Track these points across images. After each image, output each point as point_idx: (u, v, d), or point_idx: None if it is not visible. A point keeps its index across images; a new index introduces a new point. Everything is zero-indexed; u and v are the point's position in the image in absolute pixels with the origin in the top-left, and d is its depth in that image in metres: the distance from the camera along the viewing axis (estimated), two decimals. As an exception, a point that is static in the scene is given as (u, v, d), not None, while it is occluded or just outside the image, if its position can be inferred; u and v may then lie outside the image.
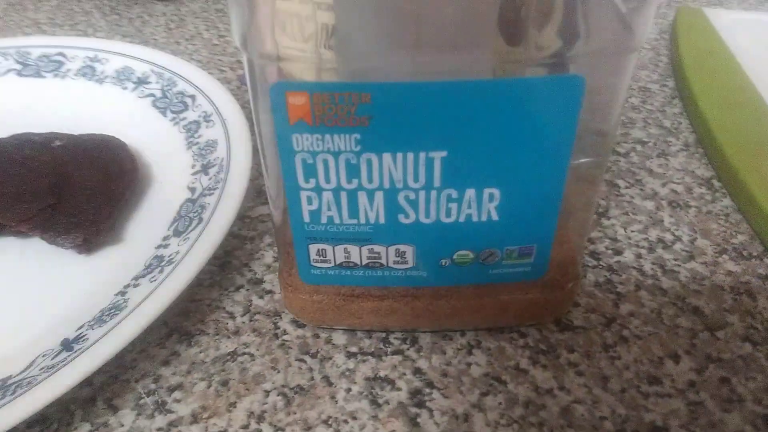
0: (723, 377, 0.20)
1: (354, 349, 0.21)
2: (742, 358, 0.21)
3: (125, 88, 0.33)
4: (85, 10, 0.45)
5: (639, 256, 0.24)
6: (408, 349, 0.21)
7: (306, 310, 0.21)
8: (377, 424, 0.19)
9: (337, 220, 0.18)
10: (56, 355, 0.19)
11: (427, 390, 0.20)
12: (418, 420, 0.19)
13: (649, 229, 0.26)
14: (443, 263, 0.19)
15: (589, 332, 0.22)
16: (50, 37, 0.36)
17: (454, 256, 0.19)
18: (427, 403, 0.19)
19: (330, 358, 0.21)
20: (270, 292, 0.23)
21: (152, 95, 0.32)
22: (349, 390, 0.20)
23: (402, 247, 0.19)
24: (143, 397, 0.20)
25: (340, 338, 0.21)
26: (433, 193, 0.17)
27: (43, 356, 0.19)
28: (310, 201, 0.18)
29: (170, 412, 0.19)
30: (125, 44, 0.35)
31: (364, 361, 0.21)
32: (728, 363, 0.21)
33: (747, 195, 0.26)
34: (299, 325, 0.22)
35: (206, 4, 0.46)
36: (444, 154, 0.16)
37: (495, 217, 0.18)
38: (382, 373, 0.20)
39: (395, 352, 0.21)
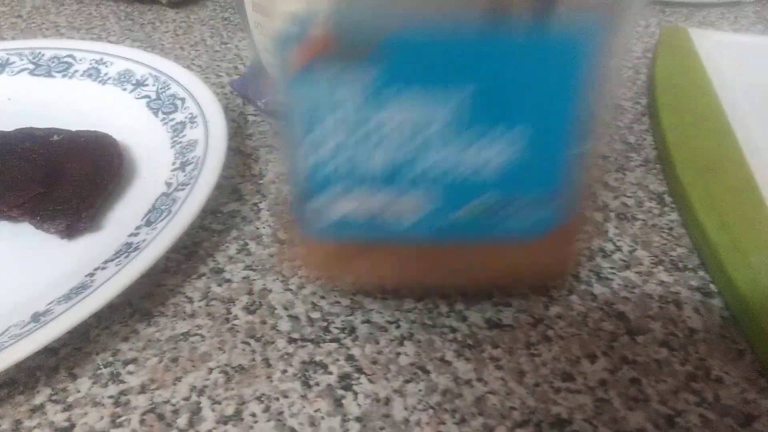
0: (634, 378, 0.21)
1: (296, 336, 0.23)
2: (656, 361, 0.22)
3: (125, 89, 0.36)
4: (103, 14, 0.48)
5: (577, 263, 0.26)
6: (345, 338, 0.23)
7: (316, 261, 0.22)
8: (305, 402, 0.21)
9: (350, 165, 0.18)
10: (25, 326, 0.21)
11: (356, 375, 0.22)
12: (343, 401, 0.21)
13: (593, 238, 0.27)
14: (459, 213, 0.19)
15: (516, 331, 0.23)
16: (63, 40, 0.39)
17: (473, 203, 0.19)
18: (354, 387, 0.21)
19: (272, 343, 0.23)
20: (228, 280, 0.25)
21: (148, 97, 0.35)
22: (285, 371, 0.22)
23: (418, 195, 0.19)
24: (101, 368, 0.22)
25: (284, 325, 0.23)
26: (457, 133, 0.17)
27: (15, 326, 0.22)
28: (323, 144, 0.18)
29: (122, 382, 0.21)
30: (130, 49, 0.38)
31: (303, 346, 0.23)
32: (642, 365, 0.22)
33: (689, 209, 0.27)
34: (249, 312, 0.24)
35: (215, 12, 0.48)
36: (470, 89, 0.16)
37: (517, 160, 0.17)
38: (317, 358, 0.22)
39: (333, 340, 0.23)
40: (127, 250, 0.24)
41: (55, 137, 0.31)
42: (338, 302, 0.24)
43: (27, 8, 0.49)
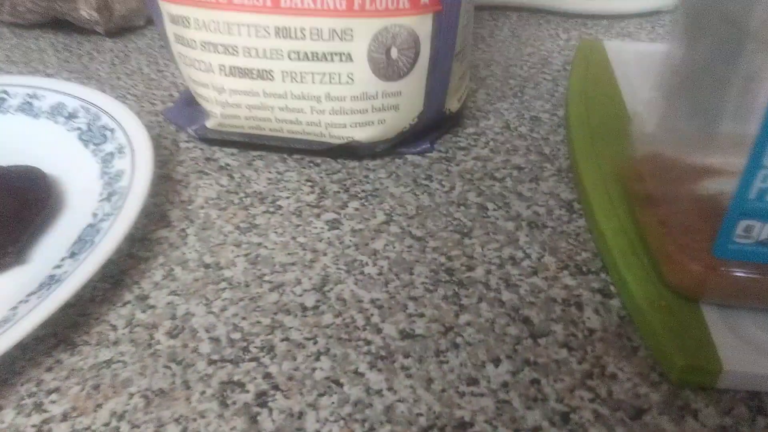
0: (534, 379, 0.23)
1: (216, 357, 0.24)
2: (556, 362, 0.23)
3: (57, 122, 0.36)
4: (41, 47, 0.48)
5: (488, 271, 0.27)
6: (264, 356, 0.24)
7: (707, 283, 0.22)
8: (221, 421, 0.22)
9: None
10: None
11: (272, 392, 0.23)
12: (258, 418, 0.22)
13: (504, 247, 0.29)
14: None
15: (427, 339, 0.24)
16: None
17: None
18: (269, 403, 0.22)
19: (193, 365, 0.24)
20: (153, 306, 0.26)
21: (79, 128, 0.35)
22: (203, 392, 0.23)
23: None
24: (24, 399, 0.22)
25: (205, 347, 0.24)
26: None
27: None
28: (765, 179, 0.19)
29: (45, 411, 0.22)
30: (63, 82, 0.39)
31: (222, 367, 0.24)
32: (542, 366, 0.23)
33: (592, 215, 0.28)
34: (172, 336, 0.25)
35: (152, 40, 0.49)
36: None
37: None
38: (236, 378, 0.23)
39: (252, 359, 0.24)
40: (50, 282, 0.25)
41: None
42: (259, 322, 0.25)
43: (-36, 43, 0.50)
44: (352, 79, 0.30)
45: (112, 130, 0.34)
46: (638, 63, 0.40)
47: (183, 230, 0.30)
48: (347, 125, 0.32)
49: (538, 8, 0.52)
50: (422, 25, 0.30)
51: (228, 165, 0.35)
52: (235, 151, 0.36)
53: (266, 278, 0.27)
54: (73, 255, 0.27)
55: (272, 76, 0.30)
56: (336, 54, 0.29)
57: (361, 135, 0.32)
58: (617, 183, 0.29)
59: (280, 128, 0.32)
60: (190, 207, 0.32)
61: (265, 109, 0.31)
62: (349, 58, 0.29)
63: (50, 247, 0.29)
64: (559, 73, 0.43)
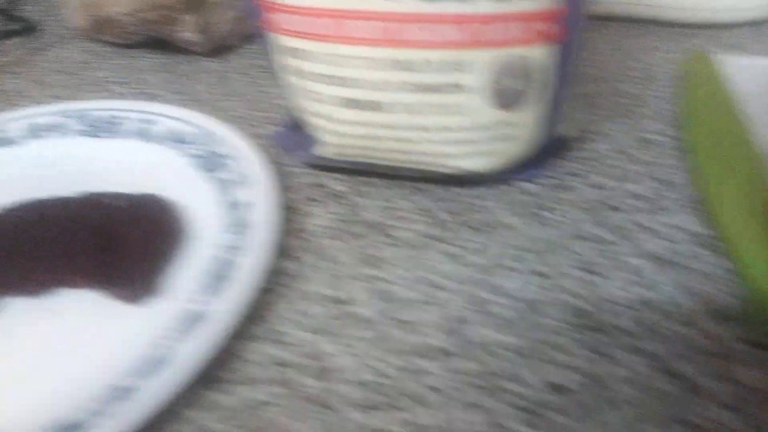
0: (684, 433, 0.22)
1: (366, 404, 0.24)
2: (718, 424, 0.23)
3: (171, 148, 0.38)
4: (142, 68, 0.50)
5: (623, 315, 0.27)
6: (414, 406, 0.24)
7: None
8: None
9: None
10: (107, 403, 0.23)
11: None
12: None
13: (635, 287, 0.28)
14: None
15: (578, 394, 0.24)
16: (108, 101, 0.41)
17: None
18: None
19: (344, 412, 0.24)
20: (289, 343, 0.27)
21: (194, 155, 0.37)
22: (347, 434, 0.23)
23: None
24: (176, 436, 0.23)
25: (354, 393, 0.25)
26: None
27: (92, 401, 0.23)
28: None
29: (197, 449, 0.23)
30: (175, 107, 0.40)
31: (374, 416, 0.24)
32: (706, 430, 0.23)
33: (735, 254, 0.27)
34: (318, 378, 0.25)
35: (247, 60, 0.50)
36: None
37: None
38: (394, 429, 0.23)
39: (402, 408, 0.24)
40: (193, 318, 0.26)
41: (114, 202, 0.33)
42: (400, 366, 0.25)
43: (72, 64, 0.52)
44: (466, 110, 0.30)
45: (228, 158, 0.35)
46: (758, 79, 0.38)
47: (302, 260, 0.31)
48: (458, 155, 0.31)
49: (641, 18, 0.50)
50: (539, 55, 0.29)
51: (338, 192, 0.35)
52: (342, 177, 0.36)
53: (396, 316, 0.27)
54: (210, 290, 0.27)
55: (384, 108, 0.30)
56: (449, 85, 0.29)
57: (472, 165, 0.32)
58: (761, 218, 0.28)
59: (390, 157, 0.32)
60: (305, 236, 0.32)
61: (376, 139, 0.31)
62: (463, 89, 0.29)
63: (181, 279, 0.29)
64: (666, 89, 0.42)
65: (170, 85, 0.47)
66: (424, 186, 0.35)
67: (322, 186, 0.36)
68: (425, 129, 0.30)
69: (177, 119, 0.39)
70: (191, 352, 0.24)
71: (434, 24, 0.28)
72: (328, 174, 0.37)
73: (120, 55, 0.53)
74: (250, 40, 0.53)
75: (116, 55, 0.52)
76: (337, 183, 0.36)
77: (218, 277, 0.28)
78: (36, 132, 0.40)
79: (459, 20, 0.28)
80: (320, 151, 0.34)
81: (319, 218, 0.33)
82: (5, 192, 0.36)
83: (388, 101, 0.30)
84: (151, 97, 0.45)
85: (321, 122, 0.32)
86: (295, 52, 0.31)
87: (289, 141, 0.38)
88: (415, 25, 0.28)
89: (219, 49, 0.51)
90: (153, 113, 0.40)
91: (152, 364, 0.24)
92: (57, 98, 0.47)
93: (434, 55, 0.28)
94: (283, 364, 0.26)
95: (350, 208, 0.34)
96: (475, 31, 0.28)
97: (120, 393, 0.23)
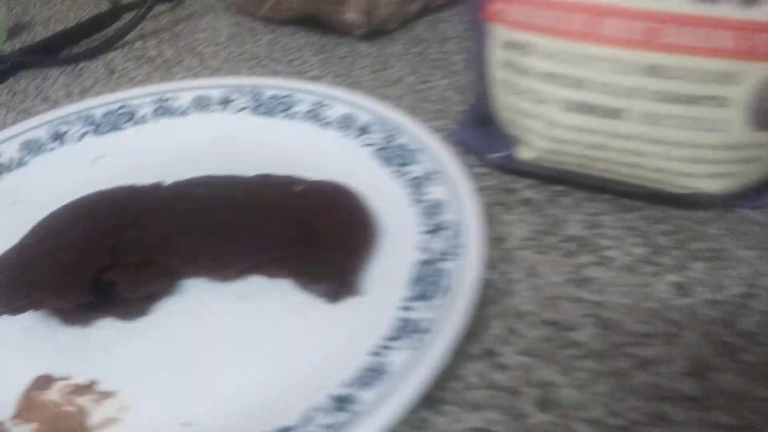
0: None
1: (596, 442, 0.21)
2: None
3: (348, 135, 0.36)
4: (298, 46, 0.48)
5: None
6: (652, 450, 0.21)
7: None
8: None
9: None
10: (330, 413, 0.21)
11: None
12: None
13: None
14: None
15: None
16: (279, 80, 0.40)
17: None
18: None
19: (573, 448, 0.21)
20: (505, 366, 0.24)
21: (374, 145, 0.34)
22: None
23: None
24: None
25: (583, 430, 0.22)
26: None
27: (315, 410, 0.22)
28: None
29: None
30: (349, 92, 0.38)
31: (608, 456, 0.21)
32: None
33: None
34: (541, 409, 0.23)
35: (407, 47, 0.48)
36: None
37: None
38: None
39: (639, 452, 0.21)
40: (411, 329, 0.24)
41: (297, 187, 0.31)
42: (636, 407, 0.22)
43: (223, 36, 0.51)
44: (722, 127, 0.26)
45: (414, 152, 0.33)
46: None
47: (507, 274, 0.28)
48: (696, 174, 0.28)
49: None
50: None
51: (530, 199, 0.32)
52: (533, 182, 0.33)
53: (625, 350, 0.24)
54: (423, 298, 0.25)
55: (622, 116, 0.27)
56: (709, 98, 0.26)
57: (710, 186, 0.28)
58: None
59: (611, 170, 0.29)
60: (505, 246, 0.29)
61: (599, 148, 0.28)
62: (725, 103, 0.26)
63: (381, 279, 0.27)
64: None
65: (330, 67, 0.45)
66: (633, 203, 0.31)
67: (510, 191, 0.33)
68: (665, 143, 0.27)
69: (352, 105, 0.37)
70: (417, 366, 0.22)
71: (705, 28, 0.24)
72: (516, 178, 0.34)
73: (271, 31, 0.51)
74: (406, 26, 0.51)
75: (267, 31, 0.51)
76: (527, 189, 0.33)
77: (431, 284, 0.26)
78: (204, 105, 0.38)
79: (736, 27, 0.24)
80: (525, 155, 0.31)
81: (515, 227, 0.30)
82: (173, 163, 0.35)
83: (630, 110, 0.26)
84: (312, 79, 0.44)
85: (536, 125, 0.29)
86: (521, 47, 0.28)
87: (475, 139, 0.35)
88: (681, 28, 0.25)
89: (375, 33, 0.49)
90: (326, 96, 0.38)
91: (373, 375, 0.22)
92: (214, 71, 0.46)
93: (698, 62, 0.25)
94: (500, 388, 0.23)
95: (548, 218, 0.31)
96: (752, 40, 0.24)
97: (340, 404, 0.21)
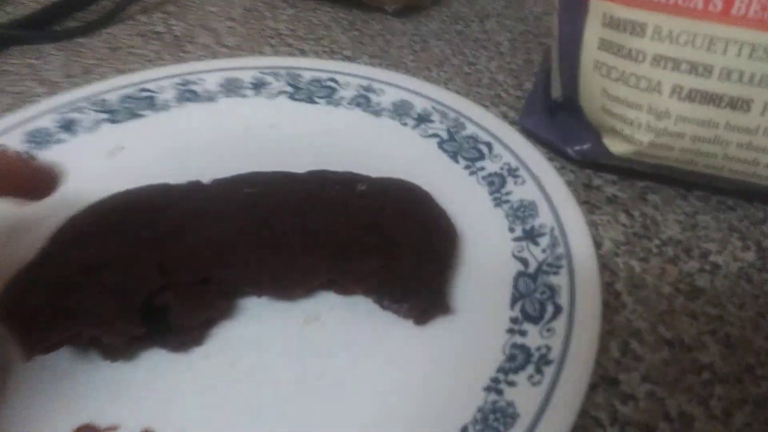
0: None
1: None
2: None
3: (405, 125, 0.32)
4: (324, 23, 0.44)
5: None
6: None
7: None
8: None
9: None
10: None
11: None
12: None
13: None
14: None
15: None
16: (319, 61, 0.36)
17: None
18: None
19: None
20: (632, 397, 0.21)
21: (437, 136, 0.31)
22: None
23: None
24: None
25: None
26: None
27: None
28: None
29: None
30: (399, 75, 0.34)
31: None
32: None
33: None
34: (683, 447, 0.20)
35: (445, 24, 0.44)
36: None
37: None
38: None
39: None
40: (529, 358, 0.20)
41: (360, 186, 0.27)
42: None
43: (237, 9, 0.46)
44: None
45: (488, 145, 0.29)
46: None
47: (610, 286, 0.25)
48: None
49: None
50: None
51: (616, 197, 0.29)
52: (613, 178, 0.30)
53: (760, 371, 0.22)
54: (532, 319, 0.22)
55: (749, 107, 0.24)
56: None
57: (830, 185, 0.25)
58: None
59: (719, 166, 0.26)
60: (600, 252, 0.26)
61: (717, 143, 0.25)
62: None
63: (474, 294, 0.24)
64: None
65: (363, 46, 0.41)
66: (726, 200, 0.28)
67: (592, 188, 0.30)
68: (796, 137, 0.24)
69: (405, 89, 0.33)
70: (547, 410, 0.18)
71: None
72: (592, 173, 0.30)
73: (291, 5, 0.46)
74: (441, 1, 0.47)
75: (286, 6, 0.46)
76: (609, 186, 0.30)
77: (538, 302, 0.22)
78: (235, 89, 0.34)
79: None
80: (613, 147, 0.28)
81: (606, 230, 0.27)
82: (204, 156, 0.30)
83: (760, 100, 0.23)
84: (345, 60, 0.39)
85: (639, 116, 0.26)
86: (629, 26, 0.25)
87: (544, 129, 0.31)
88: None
89: (409, 8, 0.45)
90: (374, 79, 0.34)
91: (497, 419, 0.19)
92: (234, 50, 0.41)
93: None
94: (633, 423, 0.20)
95: (640, 219, 0.28)
96: None
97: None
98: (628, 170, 0.29)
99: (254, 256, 0.23)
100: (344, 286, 0.24)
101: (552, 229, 0.24)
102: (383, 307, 0.23)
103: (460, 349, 0.22)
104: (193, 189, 0.27)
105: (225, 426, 0.20)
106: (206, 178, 0.28)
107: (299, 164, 0.28)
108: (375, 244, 0.24)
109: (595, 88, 0.28)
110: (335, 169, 0.28)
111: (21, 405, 0.20)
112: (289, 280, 0.23)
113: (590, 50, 0.27)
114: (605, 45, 0.26)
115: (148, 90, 0.33)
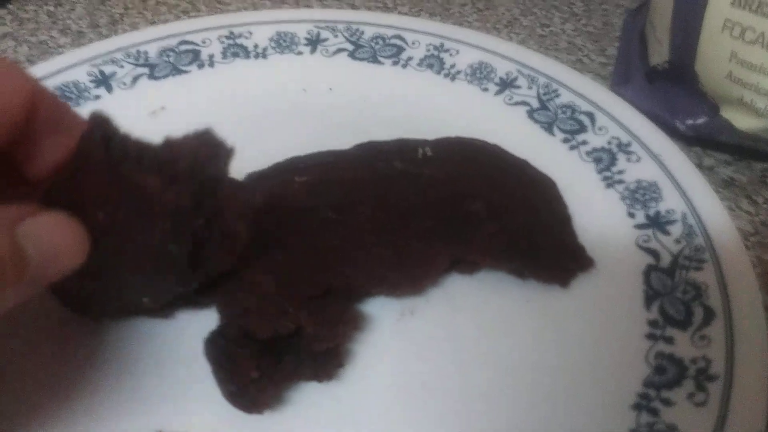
0: None
1: None
2: None
3: (486, 90, 0.28)
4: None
5: None
6: None
7: None
8: None
9: None
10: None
11: None
12: None
13: None
14: None
15: None
16: (382, 15, 0.32)
17: None
18: None
19: None
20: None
21: (526, 104, 0.27)
22: None
23: None
24: None
25: None
26: None
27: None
28: None
29: None
30: (476, 34, 0.30)
31: None
32: None
33: None
34: None
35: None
36: None
37: None
38: None
39: None
40: (681, 373, 0.17)
41: (423, 151, 0.24)
42: None
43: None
44: None
45: (589, 115, 0.25)
46: None
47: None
48: None
49: None
50: None
51: (733, 180, 0.26)
52: (727, 157, 0.26)
53: None
54: (676, 323, 0.18)
55: None
56: None
57: None
58: None
59: None
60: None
61: None
62: None
63: (589, 288, 0.20)
64: None
65: (421, 2, 0.37)
66: None
67: (703, 168, 0.26)
68: None
69: (483, 49, 0.29)
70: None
71: None
72: (701, 151, 0.27)
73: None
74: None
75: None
76: (724, 166, 0.26)
77: (680, 302, 0.19)
78: (287, 44, 0.30)
79: None
80: (737, 122, 0.24)
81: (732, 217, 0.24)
82: (256, 120, 0.26)
83: None
84: (389, 11, 0.35)
85: None
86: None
87: (648, 100, 0.27)
88: None
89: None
90: (447, 38, 0.29)
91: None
92: (275, 2, 0.37)
93: None
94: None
95: (766, 206, 0.24)
96: None
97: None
98: (745, 149, 0.26)
99: (373, 256, 0.19)
100: (470, 264, 0.20)
101: (684, 216, 0.21)
102: (522, 277, 0.20)
103: (591, 357, 0.18)
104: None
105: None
106: (259, 147, 0.24)
107: (363, 133, 0.25)
108: (480, 210, 0.21)
109: (720, 52, 0.24)
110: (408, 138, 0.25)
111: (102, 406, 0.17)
112: (417, 273, 0.19)
113: (720, 7, 0.23)
114: (741, 0, 0.22)
115: (191, 42, 0.29)
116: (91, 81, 0.27)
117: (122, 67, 0.28)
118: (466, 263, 0.20)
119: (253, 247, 0.18)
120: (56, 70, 0.27)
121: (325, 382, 0.17)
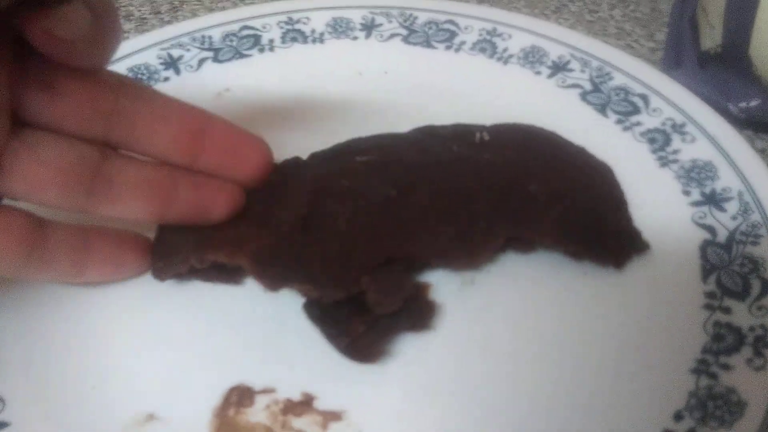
0: None
1: None
2: None
3: (538, 73, 0.28)
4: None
5: None
6: None
7: None
8: None
9: None
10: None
11: None
12: None
13: None
14: None
15: None
16: (435, 1, 0.32)
17: None
18: None
19: None
20: None
21: (579, 87, 0.27)
22: None
23: None
24: None
25: None
26: None
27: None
28: None
29: None
30: (527, 18, 0.31)
31: None
32: None
33: None
34: None
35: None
36: None
37: None
38: None
39: None
40: (740, 339, 0.17)
41: (480, 136, 0.24)
42: None
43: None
44: None
45: (643, 97, 0.26)
46: None
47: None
48: None
49: None
50: None
51: (780, 160, 0.26)
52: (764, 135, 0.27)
53: None
54: (734, 295, 0.19)
55: None
56: None
57: None
58: None
59: None
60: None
61: None
62: None
63: (646, 263, 0.21)
64: None
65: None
66: None
67: (755, 150, 0.26)
68: None
69: (535, 33, 0.30)
70: None
71: None
72: (752, 134, 0.27)
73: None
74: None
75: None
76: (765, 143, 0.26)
77: (738, 275, 0.19)
78: (343, 30, 0.31)
79: None
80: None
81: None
82: (314, 101, 0.28)
83: None
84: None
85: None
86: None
87: (700, 83, 0.28)
88: None
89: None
90: (499, 22, 0.30)
91: (719, 402, 0.16)
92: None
93: None
94: None
95: (819, 188, 0.25)
96: None
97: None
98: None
99: (434, 233, 0.20)
100: (527, 243, 0.21)
101: (740, 194, 0.21)
102: (578, 259, 0.21)
103: (649, 326, 0.19)
104: (307, 166, 0.24)
105: (394, 394, 0.18)
106: (318, 128, 0.25)
107: (417, 116, 0.26)
108: (539, 194, 0.21)
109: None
110: (464, 123, 0.25)
111: (175, 360, 0.19)
112: (476, 250, 0.20)
113: None
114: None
115: (252, 27, 0.30)
116: (161, 63, 0.28)
117: (188, 50, 0.29)
118: (522, 241, 0.21)
119: (314, 217, 0.20)
120: (126, 54, 0.28)
121: (421, 332, 0.19)
